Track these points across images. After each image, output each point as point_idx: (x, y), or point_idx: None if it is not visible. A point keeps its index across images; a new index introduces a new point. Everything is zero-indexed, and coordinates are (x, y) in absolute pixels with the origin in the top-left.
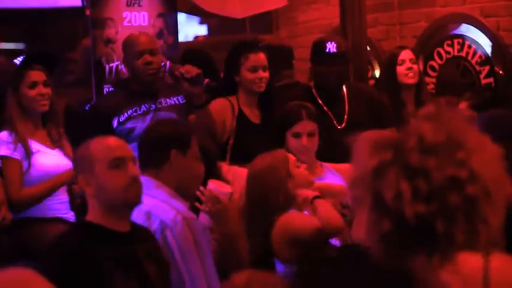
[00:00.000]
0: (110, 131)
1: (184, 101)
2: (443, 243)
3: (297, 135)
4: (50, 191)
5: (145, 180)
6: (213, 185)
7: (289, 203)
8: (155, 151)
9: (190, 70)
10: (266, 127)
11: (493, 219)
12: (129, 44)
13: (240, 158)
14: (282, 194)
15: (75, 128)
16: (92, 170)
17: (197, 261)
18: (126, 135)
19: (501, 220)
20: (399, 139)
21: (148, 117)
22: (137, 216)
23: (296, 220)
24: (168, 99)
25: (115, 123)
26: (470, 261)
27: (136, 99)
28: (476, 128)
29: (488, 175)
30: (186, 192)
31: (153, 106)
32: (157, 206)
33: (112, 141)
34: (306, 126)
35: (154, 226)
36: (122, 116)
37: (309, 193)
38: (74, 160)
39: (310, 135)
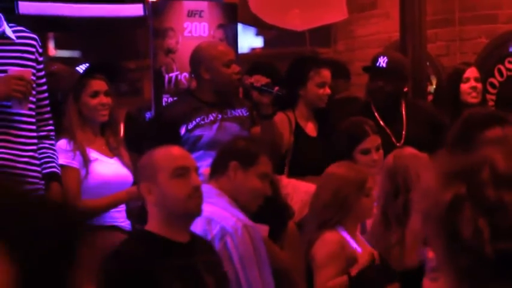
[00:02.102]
0: (177, 138)
1: (248, 113)
2: None
3: (366, 151)
4: (108, 208)
5: (207, 188)
6: None
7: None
8: (217, 161)
9: (260, 79)
10: (323, 140)
11: None
12: (214, 54)
13: (298, 171)
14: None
15: (136, 136)
16: (154, 179)
17: (255, 269)
18: (194, 143)
19: None
20: (471, 169)
21: (215, 126)
22: (197, 222)
23: None
24: (233, 111)
25: (183, 130)
26: None
27: (204, 108)
28: None
29: None
30: (242, 206)
31: (220, 116)
32: (217, 212)
33: (176, 150)
34: (374, 141)
35: (214, 232)
36: (190, 123)
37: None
38: (137, 168)
39: (377, 149)
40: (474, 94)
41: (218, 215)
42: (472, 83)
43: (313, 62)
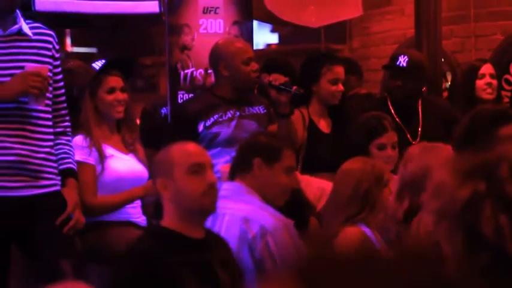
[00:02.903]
0: (195, 134)
1: (265, 111)
2: None
3: (382, 147)
4: (124, 204)
5: (235, 185)
6: None
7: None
8: (241, 158)
9: (279, 78)
10: (337, 136)
11: None
12: (233, 51)
13: (312, 167)
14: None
15: (152, 131)
16: (170, 174)
17: None
18: (211, 140)
19: None
20: (489, 166)
21: (233, 124)
22: (233, 222)
23: None
24: (251, 108)
25: (201, 127)
26: None
27: (222, 105)
28: None
29: None
30: (270, 203)
31: (238, 113)
32: (254, 211)
33: (192, 147)
34: (391, 137)
35: (254, 231)
36: (208, 120)
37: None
38: (153, 164)
39: (393, 146)
40: (489, 90)
41: (256, 213)
42: (488, 79)
43: (326, 59)
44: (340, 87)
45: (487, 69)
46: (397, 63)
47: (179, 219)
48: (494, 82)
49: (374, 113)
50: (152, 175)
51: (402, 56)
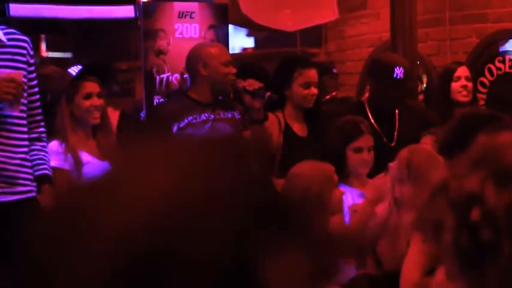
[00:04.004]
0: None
1: (239, 116)
2: None
3: (359, 150)
4: None
5: None
6: None
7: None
8: None
9: (253, 83)
10: (313, 140)
11: None
12: (214, 52)
13: (287, 171)
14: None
15: (132, 134)
16: None
17: None
18: None
19: None
20: (494, 154)
21: (207, 126)
22: None
23: None
24: (226, 112)
25: (174, 128)
26: None
27: (196, 108)
28: None
29: None
30: None
31: (212, 116)
32: None
33: None
34: (367, 141)
35: None
36: (182, 122)
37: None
38: None
39: (370, 149)
40: (465, 93)
41: None
42: (463, 81)
43: (298, 63)
44: (313, 90)
45: (462, 71)
46: (394, 75)
47: None
48: (470, 85)
49: (350, 117)
50: None
51: (398, 68)
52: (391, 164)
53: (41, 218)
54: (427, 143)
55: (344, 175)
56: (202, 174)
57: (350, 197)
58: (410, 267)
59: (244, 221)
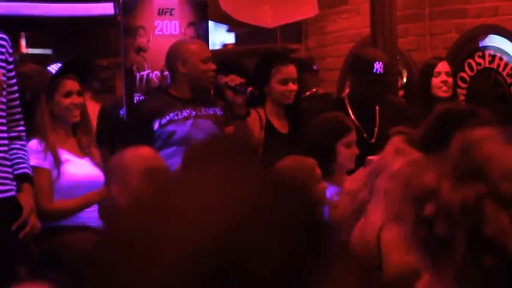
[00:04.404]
0: (150, 133)
1: (221, 112)
2: None
3: (350, 144)
4: (81, 208)
5: None
6: None
7: None
8: (190, 160)
9: (235, 79)
10: (294, 137)
11: None
12: (193, 49)
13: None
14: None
15: (110, 131)
16: (125, 181)
17: None
18: (167, 139)
19: None
20: (478, 167)
21: (189, 123)
22: None
23: None
24: (207, 109)
25: (156, 125)
26: None
27: (178, 104)
28: None
29: None
30: None
31: (194, 113)
32: None
33: (146, 151)
34: (354, 135)
35: None
36: (163, 118)
37: None
38: (108, 169)
39: (355, 144)
40: (445, 88)
41: None
42: (443, 77)
43: (275, 60)
44: (291, 86)
45: (442, 67)
46: (374, 70)
47: None
48: (450, 80)
49: (333, 114)
50: (107, 180)
51: (378, 62)
52: (369, 158)
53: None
54: (396, 142)
55: (329, 172)
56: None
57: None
58: (390, 252)
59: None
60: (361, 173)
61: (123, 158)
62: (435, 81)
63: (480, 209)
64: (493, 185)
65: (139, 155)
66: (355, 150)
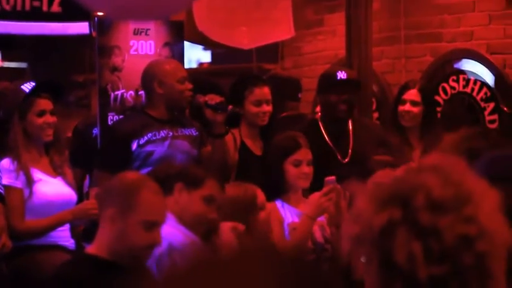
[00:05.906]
0: (128, 153)
1: (197, 133)
2: None
3: (298, 163)
4: (53, 228)
5: None
6: None
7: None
8: (163, 181)
9: (214, 97)
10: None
11: (499, 273)
12: (168, 69)
13: None
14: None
15: (83, 151)
16: (124, 215)
17: None
18: (145, 159)
19: (505, 273)
20: (405, 193)
21: (167, 143)
22: None
23: None
24: (183, 129)
25: (134, 145)
26: None
27: (155, 124)
28: (476, 174)
29: (493, 226)
30: (189, 229)
31: (171, 133)
32: (166, 229)
33: (155, 199)
34: (306, 154)
35: (161, 249)
36: (141, 138)
37: None
38: (106, 190)
39: (309, 163)
40: (407, 117)
41: (166, 231)
42: (407, 106)
43: (248, 81)
44: (265, 108)
45: (409, 95)
46: (338, 78)
47: (111, 249)
48: (415, 110)
49: (289, 132)
50: (100, 200)
51: (340, 71)
52: (328, 179)
53: None
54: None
55: (283, 191)
56: None
57: (289, 214)
58: None
59: None
60: (317, 195)
61: (124, 182)
62: (400, 108)
63: (392, 235)
64: (411, 213)
65: (142, 179)
66: (306, 169)
